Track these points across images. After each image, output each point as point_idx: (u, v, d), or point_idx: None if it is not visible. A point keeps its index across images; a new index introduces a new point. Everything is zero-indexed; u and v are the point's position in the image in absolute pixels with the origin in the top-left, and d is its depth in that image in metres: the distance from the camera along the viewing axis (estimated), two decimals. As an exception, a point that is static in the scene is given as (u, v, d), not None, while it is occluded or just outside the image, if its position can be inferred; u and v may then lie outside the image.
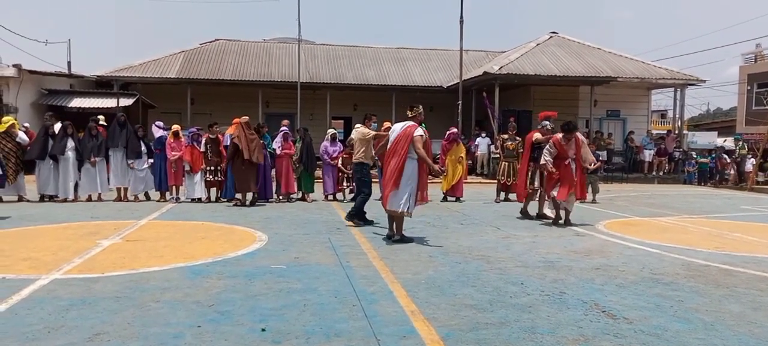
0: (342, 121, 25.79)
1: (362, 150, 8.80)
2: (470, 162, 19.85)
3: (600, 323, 4.03)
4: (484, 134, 20.43)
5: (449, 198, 12.30)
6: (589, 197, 12.68)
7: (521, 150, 12.63)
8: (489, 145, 19.79)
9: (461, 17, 19.94)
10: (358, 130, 9.04)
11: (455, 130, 12.89)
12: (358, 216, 8.47)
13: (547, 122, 9.78)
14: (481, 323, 3.99)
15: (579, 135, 8.93)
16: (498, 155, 13.56)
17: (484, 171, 20.22)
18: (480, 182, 18.42)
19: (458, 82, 20.41)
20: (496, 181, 13.02)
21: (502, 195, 12.59)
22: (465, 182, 13.14)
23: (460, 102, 19.95)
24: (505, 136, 12.77)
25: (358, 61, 25.54)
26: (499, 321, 4.03)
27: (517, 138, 12.60)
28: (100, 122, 13.10)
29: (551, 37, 24.72)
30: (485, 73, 20.85)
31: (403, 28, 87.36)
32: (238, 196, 10.99)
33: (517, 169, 12.42)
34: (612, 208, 11.70)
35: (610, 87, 22.02)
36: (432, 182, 13.33)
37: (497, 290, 4.87)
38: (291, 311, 4.17)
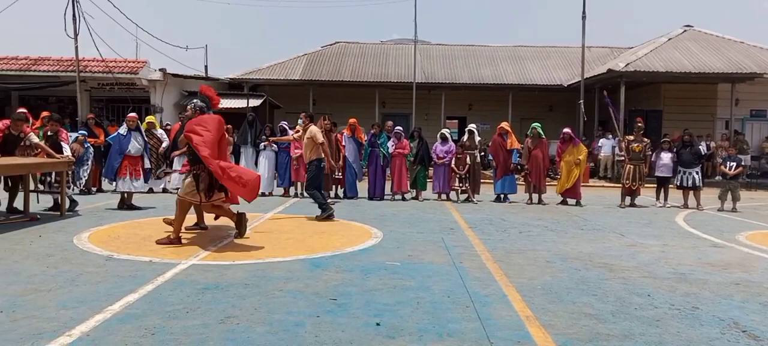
0: (456, 121, 25.68)
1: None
2: (592, 164, 18.90)
3: (739, 344, 3.68)
4: (609, 136, 19.34)
5: (569, 201, 11.84)
6: (729, 205, 11.59)
7: (649, 153, 11.90)
8: (613, 147, 18.70)
9: (584, 12, 19.14)
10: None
11: (567, 130, 12.30)
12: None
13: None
14: (601, 333, 3.80)
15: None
16: (622, 158, 12.77)
17: (608, 174, 19.15)
18: (603, 186, 17.46)
19: (580, 81, 19.53)
20: (620, 185, 12.30)
21: (628, 200, 11.84)
22: (585, 185, 12.52)
23: (581, 101, 19.08)
24: (631, 137, 12.04)
25: (473, 61, 25.27)
26: (622, 333, 3.81)
27: (645, 139, 11.85)
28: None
29: (685, 30, 22.83)
30: (609, 70, 19.70)
31: (521, 26, 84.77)
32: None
33: (644, 174, 11.71)
34: (755, 218, 10.56)
35: (756, 84, 19.89)
36: (549, 183, 13.00)
37: (620, 300, 4.61)
38: (405, 308, 4.24)
